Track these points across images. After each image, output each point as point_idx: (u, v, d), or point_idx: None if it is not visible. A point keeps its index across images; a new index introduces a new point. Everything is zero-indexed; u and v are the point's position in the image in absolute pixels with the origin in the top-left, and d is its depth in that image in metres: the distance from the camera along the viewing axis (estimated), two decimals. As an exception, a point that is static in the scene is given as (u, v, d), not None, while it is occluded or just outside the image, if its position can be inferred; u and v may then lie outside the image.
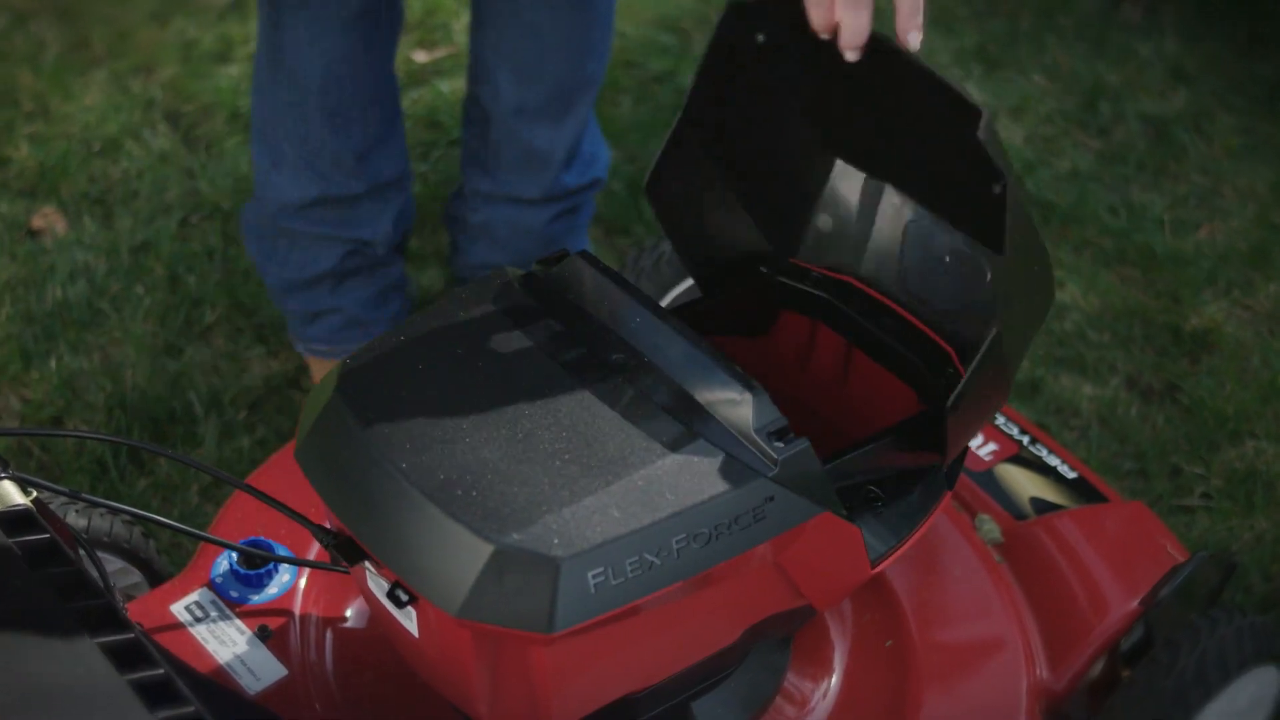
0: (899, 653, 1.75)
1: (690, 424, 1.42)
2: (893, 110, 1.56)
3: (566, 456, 1.38)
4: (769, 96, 1.64)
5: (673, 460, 1.38)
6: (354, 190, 2.27)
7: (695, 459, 1.39)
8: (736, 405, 1.42)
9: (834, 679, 1.73)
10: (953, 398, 1.49)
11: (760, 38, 1.59)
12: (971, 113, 1.41)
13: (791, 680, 1.71)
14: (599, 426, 1.41)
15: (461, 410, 1.42)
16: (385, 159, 2.29)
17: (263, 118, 2.25)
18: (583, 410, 1.42)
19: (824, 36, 1.50)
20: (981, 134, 1.40)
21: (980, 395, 1.53)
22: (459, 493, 1.34)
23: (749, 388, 1.42)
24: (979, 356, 1.47)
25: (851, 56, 1.49)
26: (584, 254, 1.57)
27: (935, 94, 1.46)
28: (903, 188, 1.67)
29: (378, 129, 2.26)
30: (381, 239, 2.34)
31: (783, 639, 1.70)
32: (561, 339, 1.49)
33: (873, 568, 1.55)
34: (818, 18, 1.48)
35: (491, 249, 2.47)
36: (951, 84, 1.44)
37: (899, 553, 1.57)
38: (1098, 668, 1.77)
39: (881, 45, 1.48)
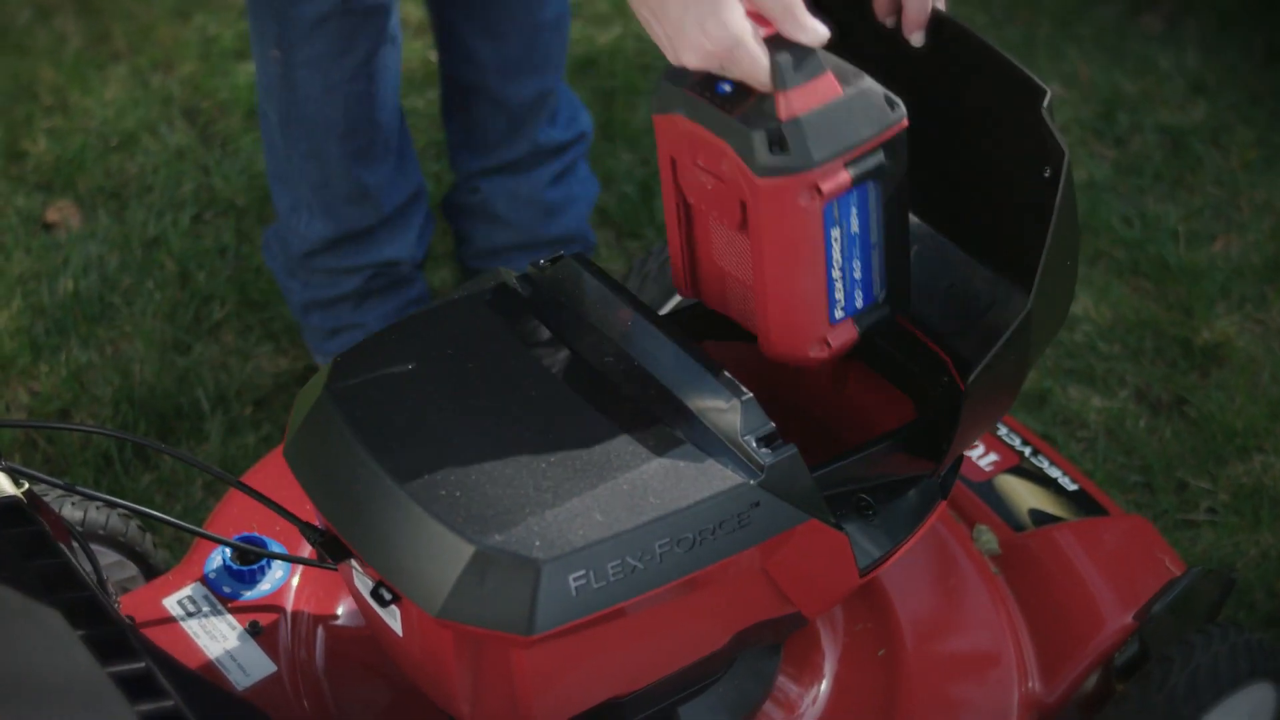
0: (890, 662, 1.74)
1: (678, 429, 1.42)
2: (937, 107, 1.57)
3: (552, 459, 1.38)
4: None
5: (658, 464, 1.38)
6: (376, 220, 2.30)
7: (681, 463, 1.39)
8: (724, 411, 1.42)
9: (823, 685, 1.73)
10: (973, 376, 1.48)
11: None
12: (1035, 91, 1.44)
13: (780, 686, 1.71)
14: (586, 429, 1.41)
15: (449, 411, 1.42)
16: (402, 182, 2.32)
17: (279, 168, 2.27)
18: (570, 413, 1.42)
19: (887, 22, 1.52)
20: (1045, 111, 1.43)
21: (997, 383, 1.53)
22: (443, 493, 1.34)
23: (737, 394, 1.42)
24: (1007, 334, 1.47)
25: (917, 40, 1.51)
26: (579, 256, 1.57)
27: (995, 75, 1.48)
28: (919, 212, 1.67)
29: (395, 157, 2.29)
30: (407, 257, 2.36)
31: (772, 645, 1.69)
32: (553, 341, 1.50)
33: (861, 576, 1.54)
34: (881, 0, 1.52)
35: (494, 228, 2.48)
36: (1016, 62, 1.46)
37: (889, 562, 1.57)
38: (1092, 682, 1.77)
39: (945, 27, 1.50)
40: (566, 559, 1.31)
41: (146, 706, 1.29)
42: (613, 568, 1.33)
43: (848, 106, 1.40)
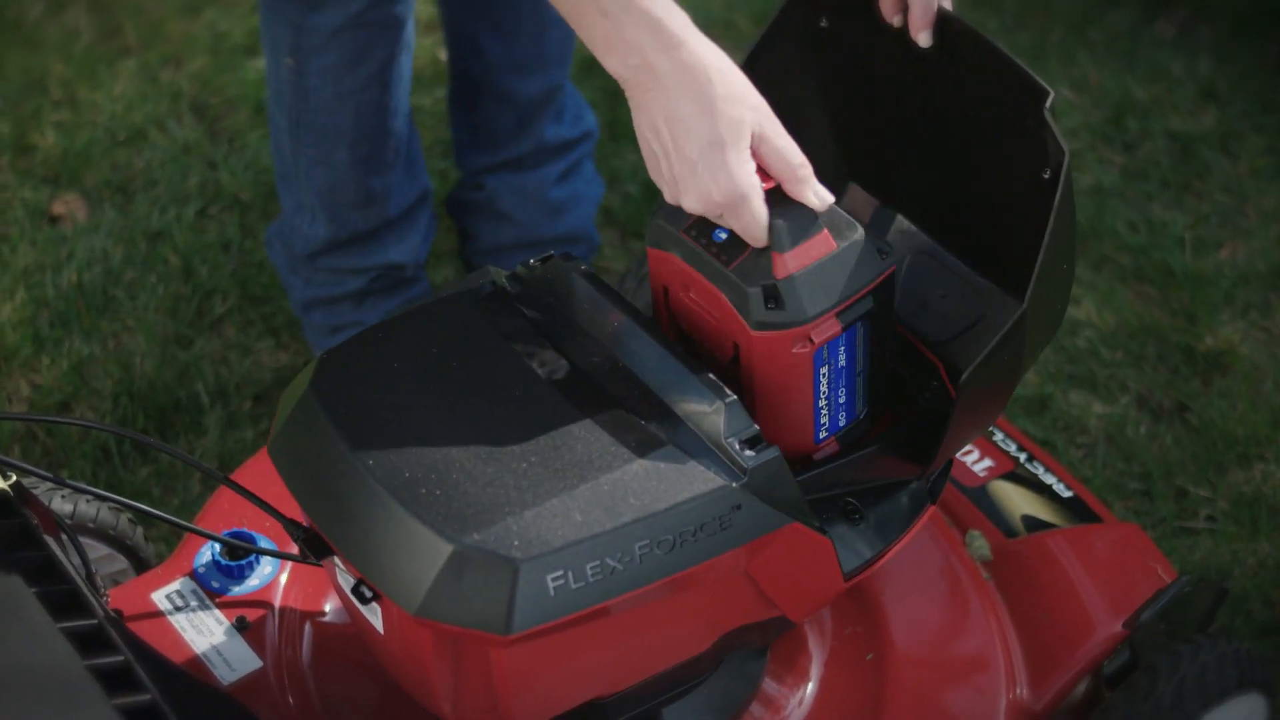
0: (878, 666, 1.74)
1: (661, 430, 1.41)
2: (940, 108, 1.56)
3: (534, 458, 1.38)
4: (799, 106, 1.64)
5: (640, 465, 1.38)
6: (380, 223, 2.30)
7: (663, 465, 1.39)
8: (708, 413, 1.42)
9: (810, 688, 1.73)
10: (966, 375, 1.48)
11: (824, 22, 1.61)
12: (1038, 93, 1.45)
13: (766, 688, 1.71)
14: (569, 429, 1.41)
15: (432, 409, 1.42)
16: (409, 186, 2.32)
17: (286, 170, 2.27)
18: (554, 413, 1.42)
19: (894, 21, 1.53)
20: (1048, 112, 1.44)
21: (989, 385, 1.53)
22: (423, 491, 1.35)
23: (721, 396, 1.42)
24: (1001, 334, 1.48)
25: (923, 40, 1.52)
26: (568, 256, 1.57)
27: (998, 76, 1.48)
28: (916, 220, 1.67)
29: (404, 162, 2.29)
30: (410, 259, 2.36)
31: (759, 647, 1.69)
32: (539, 341, 1.50)
33: (847, 580, 1.54)
34: (887, 1, 1.52)
35: (500, 226, 2.48)
36: (1020, 63, 1.47)
37: (875, 566, 1.56)
38: (1081, 689, 1.76)
39: (950, 26, 1.51)
40: (545, 559, 1.31)
41: (124, 700, 1.30)
42: (591, 569, 1.33)
43: (841, 261, 1.44)
